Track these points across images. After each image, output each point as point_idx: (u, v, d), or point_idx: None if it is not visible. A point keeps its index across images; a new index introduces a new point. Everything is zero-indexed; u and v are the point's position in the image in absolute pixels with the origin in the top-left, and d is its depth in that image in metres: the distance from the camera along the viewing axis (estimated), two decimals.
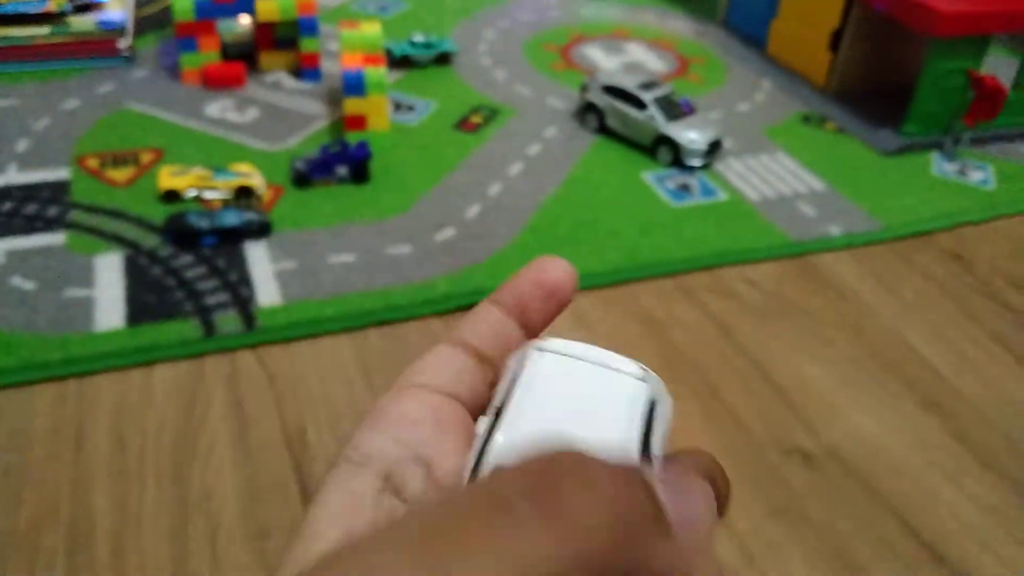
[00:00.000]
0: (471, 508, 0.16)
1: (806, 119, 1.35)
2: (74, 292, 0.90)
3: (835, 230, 1.08)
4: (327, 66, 1.37)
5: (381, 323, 0.89)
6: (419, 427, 0.24)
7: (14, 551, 0.65)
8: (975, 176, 1.24)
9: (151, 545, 0.66)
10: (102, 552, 0.65)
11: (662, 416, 0.25)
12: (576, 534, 0.16)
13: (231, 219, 0.97)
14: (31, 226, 0.99)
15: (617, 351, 0.24)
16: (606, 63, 1.50)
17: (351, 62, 1.18)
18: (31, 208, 1.02)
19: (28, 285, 0.90)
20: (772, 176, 1.19)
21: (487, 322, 0.27)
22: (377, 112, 1.17)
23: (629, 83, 1.21)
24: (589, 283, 0.96)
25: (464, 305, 0.91)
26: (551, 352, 0.24)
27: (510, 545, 0.15)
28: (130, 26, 1.42)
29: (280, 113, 1.26)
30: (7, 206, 1.02)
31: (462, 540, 0.16)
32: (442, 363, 0.26)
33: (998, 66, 1.32)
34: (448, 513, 0.16)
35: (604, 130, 1.25)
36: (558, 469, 0.17)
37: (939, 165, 1.25)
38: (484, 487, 0.17)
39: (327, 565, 0.17)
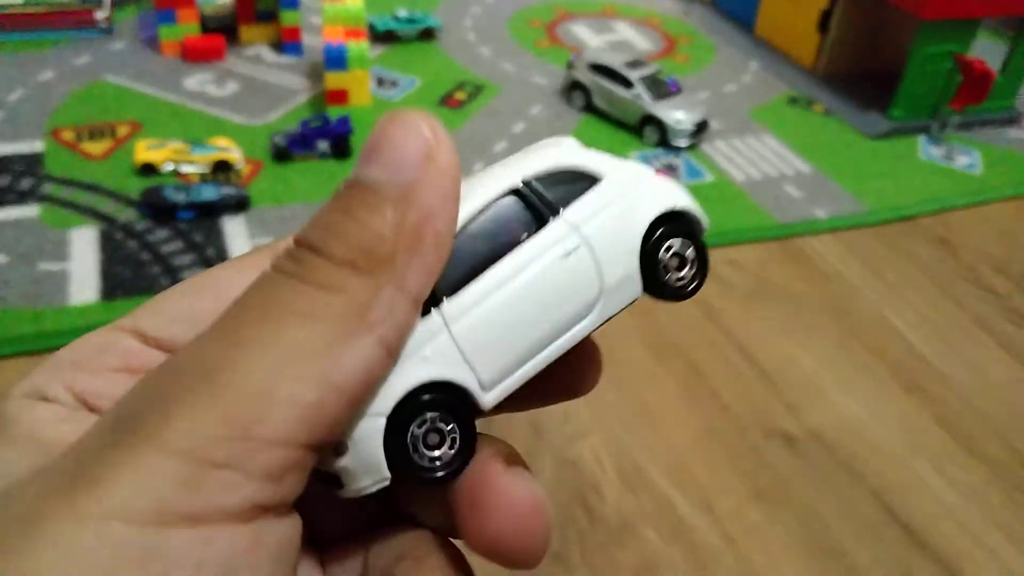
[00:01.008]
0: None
1: (793, 101, 1.34)
2: (48, 266, 0.88)
3: (821, 213, 1.08)
4: (309, 40, 1.35)
5: None
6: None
7: None
8: (962, 161, 1.23)
9: None
10: None
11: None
12: None
13: (208, 193, 0.95)
14: (4, 199, 0.97)
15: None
16: (593, 41, 1.48)
17: (333, 36, 1.15)
18: (4, 180, 1.00)
19: (1, 258, 0.88)
20: (758, 158, 1.18)
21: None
22: (359, 87, 1.15)
23: (616, 61, 1.20)
24: None
25: None
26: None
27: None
28: None
29: (260, 87, 1.24)
30: None
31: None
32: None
33: (986, 50, 1.32)
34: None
35: (590, 108, 1.23)
36: None
37: (926, 149, 1.25)
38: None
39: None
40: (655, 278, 0.23)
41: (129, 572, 0.16)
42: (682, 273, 0.24)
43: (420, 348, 0.20)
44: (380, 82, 1.27)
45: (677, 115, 1.15)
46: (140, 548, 0.16)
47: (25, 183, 1.00)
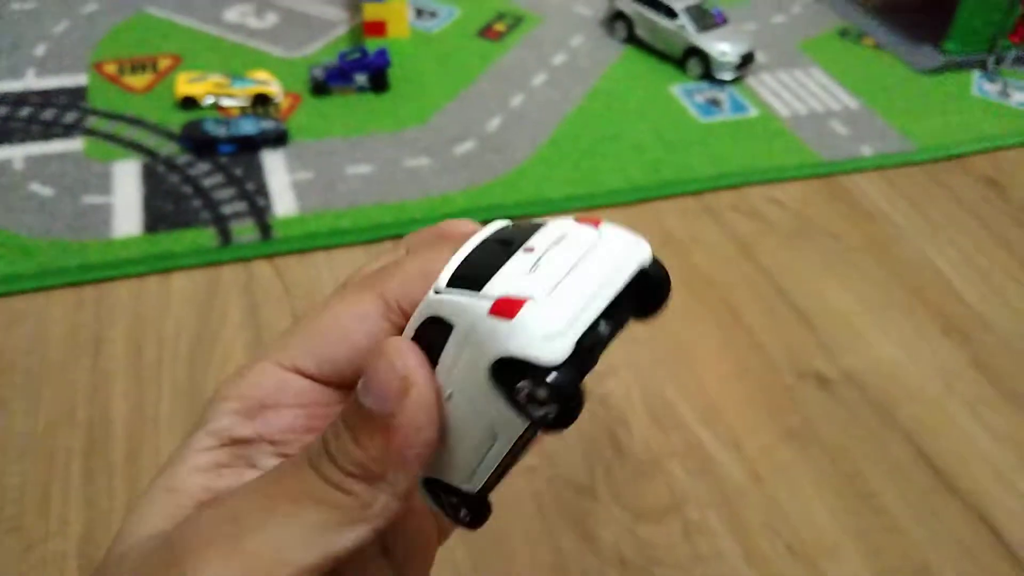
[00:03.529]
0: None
1: (844, 33, 1.30)
2: (92, 199, 0.89)
3: (867, 150, 1.05)
4: None
5: (398, 236, 0.88)
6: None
7: (32, 451, 0.66)
8: (1018, 97, 1.18)
9: (166, 450, 0.67)
10: (117, 455, 0.66)
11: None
12: None
13: (248, 127, 0.96)
14: (49, 132, 0.98)
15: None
16: None
17: None
18: (49, 114, 1.01)
19: (46, 191, 0.90)
20: (805, 92, 1.15)
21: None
22: (397, 18, 1.14)
23: None
24: (610, 200, 0.94)
25: (482, 220, 0.90)
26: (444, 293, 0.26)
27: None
28: None
29: (299, 19, 1.23)
30: (25, 111, 1.02)
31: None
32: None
33: None
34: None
35: (633, 40, 1.21)
36: None
37: (979, 85, 1.20)
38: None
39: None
40: (527, 415, 0.23)
41: None
42: (543, 411, 0.23)
43: None
44: (419, 13, 1.25)
45: (722, 47, 1.12)
46: None
47: (69, 116, 1.01)
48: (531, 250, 0.25)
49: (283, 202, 0.90)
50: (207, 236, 0.85)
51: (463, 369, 0.24)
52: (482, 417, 0.24)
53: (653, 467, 0.69)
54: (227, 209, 0.88)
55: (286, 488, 0.25)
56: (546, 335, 0.22)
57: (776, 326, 0.82)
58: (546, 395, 0.22)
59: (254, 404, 0.28)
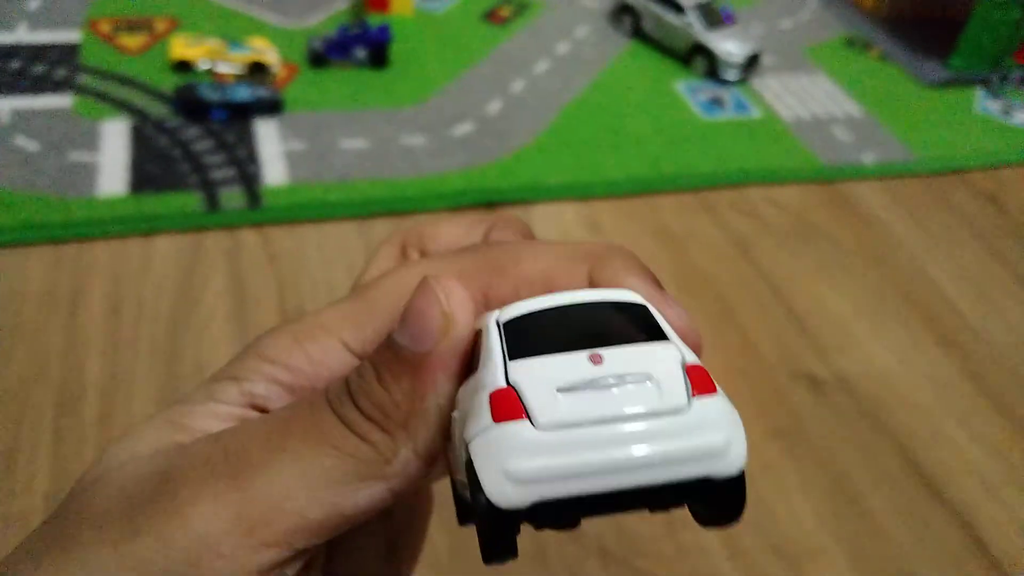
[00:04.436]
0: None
1: (850, 42, 1.29)
2: (78, 156, 0.87)
3: (868, 158, 1.04)
4: None
5: (389, 213, 0.86)
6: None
7: (3, 405, 0.64)
8: (1019, 117, 1.18)
9: (139, 413, 0.65)
10: (89, 415, 0.64)
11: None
12: None
13: (242, 94, 0.94)
14: (38, 86, 0.96)
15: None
16: None
17: None
18: (39, 68, 0.99)
19: (32, 146, 0.88)
20: (809, 97, 1.14)
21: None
22: None
23: None
24: (608, 191, 0.93)
25: (477, 203, 0.88)
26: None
27: None
28: None
29: None
30: (15, 64, 0.99)
31: None
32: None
33: None
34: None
35: (638, 34, 1.19)
36: None
37: (982, 102, 1.20)
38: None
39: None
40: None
41: None
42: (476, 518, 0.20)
43: None
44: None
45: (728, 46, 1.11)
46: None
47: (60, 73, 0.99)
48: (601, 364, 0.20)
49: (274, 171, 0.88)
50: (194, 200, 0.83)
51: (472, 401, 0.21)
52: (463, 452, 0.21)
53: None
54: (216, 175, 0.86)
55: (299, 427, 0.22)
56: (511, 471, 0.18)
57: (769, 327, 0.80)
58: (477, 517, 0.19)
59: (304, 383, 0.25)
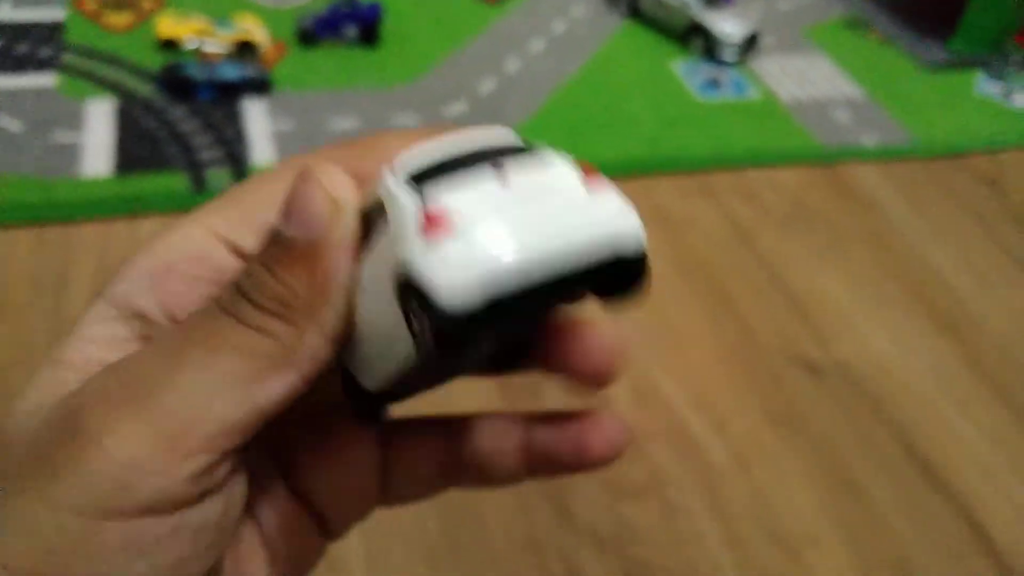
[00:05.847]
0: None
1: (850, 24, 1.27)
2: (62, 136, 0.85)
3: (868, 141, 1.03)
4: None
5: None
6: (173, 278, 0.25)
7: None
8: (1020, 100, 1.17)
9: None
10: None
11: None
12: None
13: (230, 73, 0.92)
14: (22, 65, 0.94)
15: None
16: None
17: None
18: (23, 47, 0.97)
19: (15, 126, 0.86)
20: (808, 79, 1.12)
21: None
22: None
23: None
24: (604, 172, 0.91)
25: None
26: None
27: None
28: None
29: None
30: None
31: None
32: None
33: None
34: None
35: (635, 13, 1.17)
36: None
37: (983, 85, 1.18)
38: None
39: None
40: (415, 340, 0.22)
41: (70, 551, 0.21)
42: (427, 346, 0.20)
43: None
44: None
45: (726, 26, 1.09)
46: (80, 534, 0.21)
47: (44, 51, 0.97)
48: (503, 170, 0.21)
49: (262, 151, 0.86)
50: (180, 181, 0.81)
51: (382, 262, 0.22)
52: (386, 317, 0.22)
53: (634, 448, 0.66)
54: (203, 155, 0.85)
55: (196, 337, 0.22)
56: (457, 280, 0.19)
57: (768, 311, 0.79)
58: (429, 336, 0.20)
59: (160, 266, 0.24)
